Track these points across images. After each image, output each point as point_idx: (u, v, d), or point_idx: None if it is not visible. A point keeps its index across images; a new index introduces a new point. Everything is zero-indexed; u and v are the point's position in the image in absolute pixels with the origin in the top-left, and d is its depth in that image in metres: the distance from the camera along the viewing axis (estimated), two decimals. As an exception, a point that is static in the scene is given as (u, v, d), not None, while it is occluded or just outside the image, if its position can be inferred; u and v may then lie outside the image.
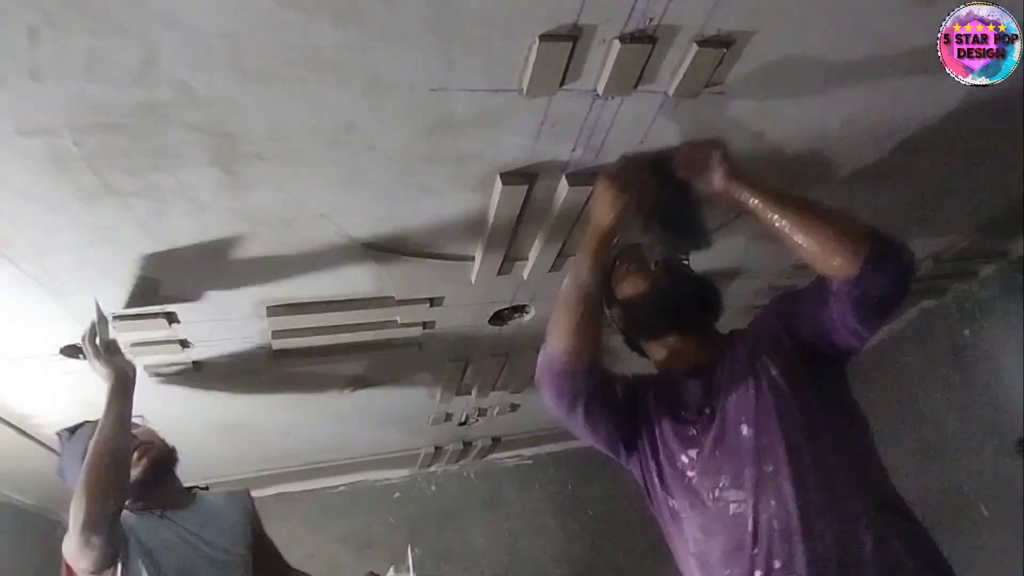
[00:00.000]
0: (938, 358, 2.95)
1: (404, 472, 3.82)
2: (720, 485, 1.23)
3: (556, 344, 1.35)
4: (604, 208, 1.35)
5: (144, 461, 1.81)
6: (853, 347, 1.29)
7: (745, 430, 1.23)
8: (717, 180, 1.33)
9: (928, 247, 2.34)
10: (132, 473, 1.71)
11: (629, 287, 1.49)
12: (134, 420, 1.76)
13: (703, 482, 1.25)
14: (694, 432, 1.30)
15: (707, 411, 1.30)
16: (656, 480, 1.35)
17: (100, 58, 1.03)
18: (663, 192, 1.38)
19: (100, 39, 1.00)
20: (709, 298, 1.47)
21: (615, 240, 1.38)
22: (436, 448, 3.55)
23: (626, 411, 1.39)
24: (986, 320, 2.70)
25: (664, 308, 1.43)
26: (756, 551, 1.16)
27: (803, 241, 1.24)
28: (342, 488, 3.76)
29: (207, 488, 2.04)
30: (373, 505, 3.77)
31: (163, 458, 1.86)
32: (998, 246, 2.47)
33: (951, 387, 2.90)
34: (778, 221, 1.26)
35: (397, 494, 3.82)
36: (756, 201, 1.29)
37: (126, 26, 0.99)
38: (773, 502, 1.17)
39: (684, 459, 1.29)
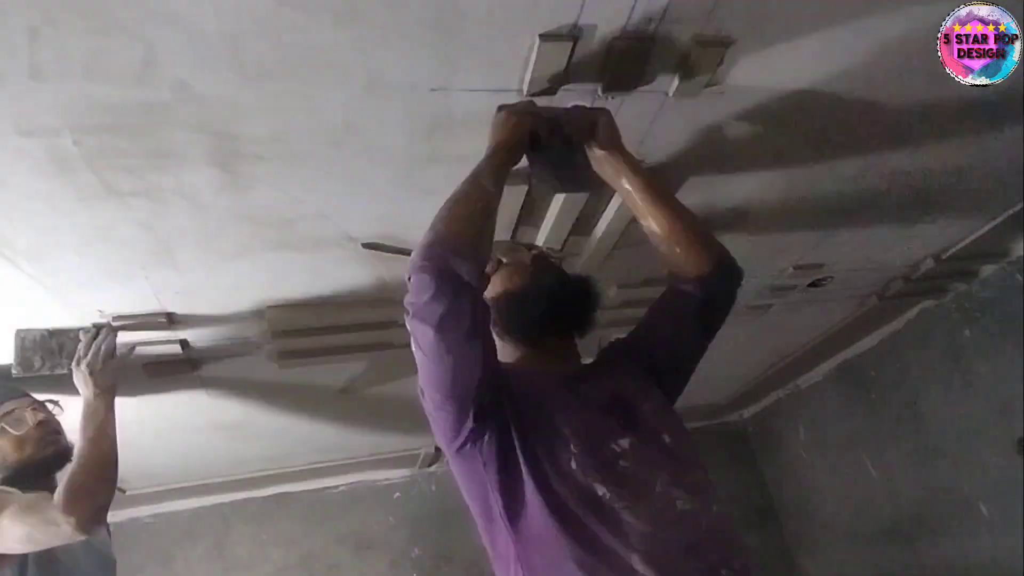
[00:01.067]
0: (938, 358, 2.95)
1: (404, 472, 3.82)
2: (660, 480, 1.10)
3: (451, 228, 1.09)
4: (505, 129, 1.20)
5: (25, 450, 1.71)
6: (697, 355, 1.35)
7: (667, 439, 1.17)
8: (601, 141, 1.24)
9: (928, 247, 2.34)
10: (10, 456, 1.70)
11: (505, 282, 1.30)
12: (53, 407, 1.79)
13: (638, 473, 1.11)
14: (615, 426, 1.16)
15: (621, 410, 1.19)
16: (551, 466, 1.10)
17: (100, 58, 1.03)
18: (552, 137, 1.25)
19: (100, 39, 1.00)
20: (591, 298, 1.32)
21: (513, 164, 1.22)
22: (436, 448, 3.55)
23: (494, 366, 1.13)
24: (986, 320, 2.70)
25: (546, 304, 1.26)
26: (713, 554, 1.06)
27: (666, 231, 1.27)
28: (342, 488, 3.76)
29: None
30: (373, 505, 3.77)
31: (37, 455, 1.73)
32: (998, 246, 2.47)
33: (951, 387, 2.90)
34: (647, 203, 1.27)
35: (397, 494, 3.82)
36: (631, 175, 1.27)
37: (126, 26, 0.99)
38: (714, 507, 1.12)
39: (615, 447, 1.13)
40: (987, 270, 2.66)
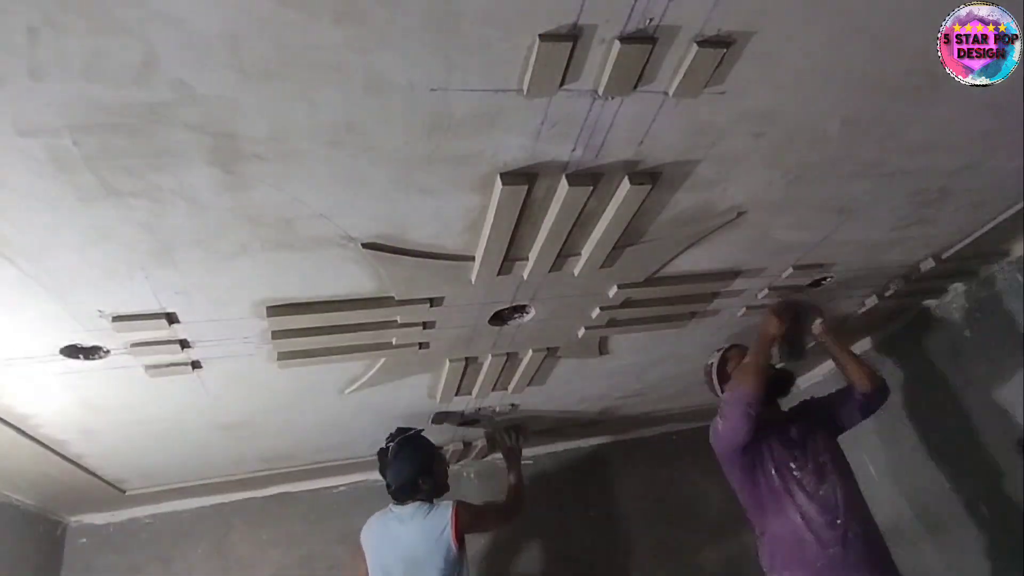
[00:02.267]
0: (938, 358, 2.95)
1: (404, 472, 3.82)
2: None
3: (752, 384, 2.35)
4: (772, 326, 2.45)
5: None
6: (849, 428, 2.65)
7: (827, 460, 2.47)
8: (824, 329, 2.63)
9: (928, 247, 2.35)
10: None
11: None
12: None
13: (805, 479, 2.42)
14: (797, 453, 2.47)
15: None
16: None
17: (100, 58, 1.03)
18: (792, 326, 2.50)
19: (100, 39, 1.00)
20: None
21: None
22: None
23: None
24: (986, 320, 2.70)
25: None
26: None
27: (850, 372, 2.59)
28: (342, 488, 3.76)
29: None
30: (373, 505, 3.75)
31: None
32: (998, 246, 2.48)
33: (951, 387, 2.90)
34: (846, 362, 2.61)
35: (397, 494, 3.81)
36: (834, 347, 2.64)
37: (126, 26, 0.99)
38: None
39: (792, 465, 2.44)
40: (987, 270, 2.66)
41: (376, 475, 3.76)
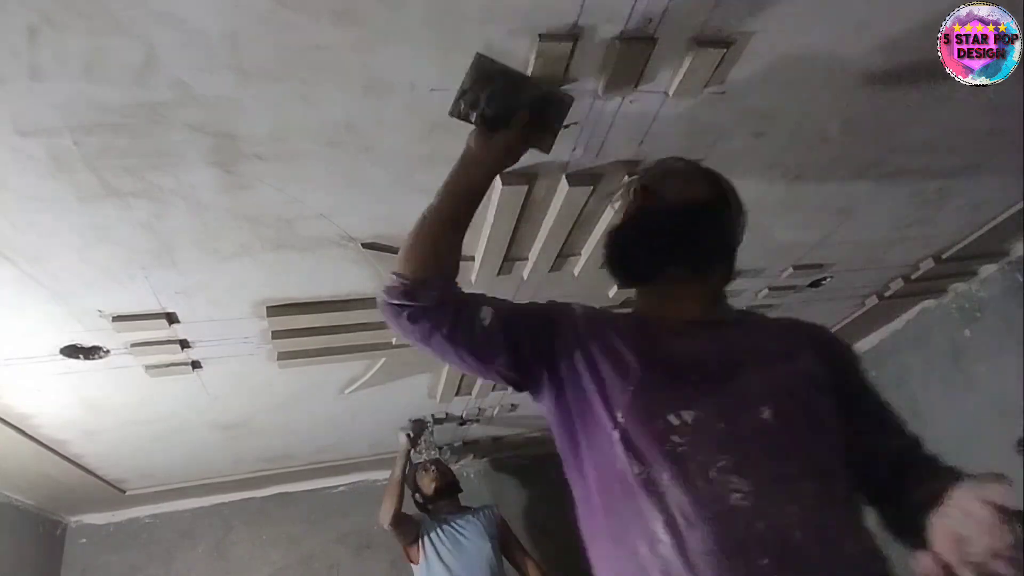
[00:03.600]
0: (938, 358, 2.95)
1: (404, 472, 3.82)
2: (719, 465, 0.91)
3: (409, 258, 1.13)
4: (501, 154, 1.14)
5: (434, 485, 3.12)
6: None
7: (768, 416, 0.96)
8: None
9: (928, 247, 2.34)
10: (426, 490, 3.14)
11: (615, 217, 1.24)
12: (437, 457, 3.31)
13: (695, 455, 0.92)
14: (690, 392, 0.97)
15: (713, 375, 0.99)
16: (612, 436, 0.97)
17: (100, 58, 1.03)
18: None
19: (100, 39, 1.00)
20: (700, 230, 1.14)
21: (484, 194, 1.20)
22: (436, 448, 3.55)
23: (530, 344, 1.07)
24: (986, 320, 2.70)
25: (641, 235, 1.10)
26: (765, 561, 0.85)
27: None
28: (342, 488, 3.76)
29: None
30: (373, 505, 3.75)
31: (444, 487, 3.13)
32: (998, 246, 2.47)
33: (951, 387, 2.90)
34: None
35: (397, 494, 3.82)
36: None
37: (126, 26, 0.99)
38: (791, 507, 0.90)
39: (673, 420, 0.94)
40: (987, 270, 2.66)
41: (375, 475, 3.78)
